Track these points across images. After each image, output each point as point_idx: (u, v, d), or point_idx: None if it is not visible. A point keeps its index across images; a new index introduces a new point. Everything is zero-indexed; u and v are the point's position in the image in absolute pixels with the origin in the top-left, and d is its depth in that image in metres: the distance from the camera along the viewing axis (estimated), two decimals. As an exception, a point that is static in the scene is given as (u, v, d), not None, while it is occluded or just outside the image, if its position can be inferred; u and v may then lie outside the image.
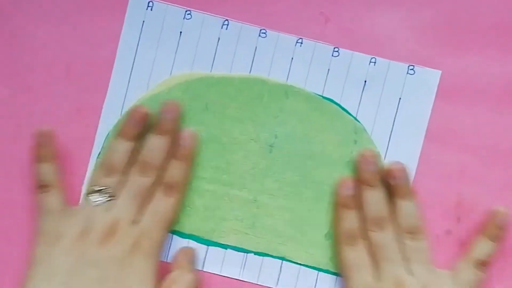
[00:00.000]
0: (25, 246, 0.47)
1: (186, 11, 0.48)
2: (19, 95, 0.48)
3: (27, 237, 0.47)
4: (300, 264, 0.47)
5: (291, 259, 0.47)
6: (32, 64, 0.48)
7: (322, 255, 0.47)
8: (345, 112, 0.48)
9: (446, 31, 0.48)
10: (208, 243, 0.48)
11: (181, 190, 0.46)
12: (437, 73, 0.48)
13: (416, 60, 0.48)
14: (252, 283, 0.47)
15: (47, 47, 0.48)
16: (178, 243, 0.48)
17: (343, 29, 0.48)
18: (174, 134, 0.46)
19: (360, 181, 0.46)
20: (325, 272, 0.47)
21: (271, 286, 0.47)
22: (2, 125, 0.48)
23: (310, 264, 0.47)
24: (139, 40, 0.48)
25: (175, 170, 0.46)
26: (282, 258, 0.48)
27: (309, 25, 0.48)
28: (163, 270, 0.45)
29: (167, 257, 0.47)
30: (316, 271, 0.47)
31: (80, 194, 0.47)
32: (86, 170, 0.48)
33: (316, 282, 0.47)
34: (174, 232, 0.48)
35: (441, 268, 0.46)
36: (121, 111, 0.48)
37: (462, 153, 0.47)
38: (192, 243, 0.48)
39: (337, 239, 0.46)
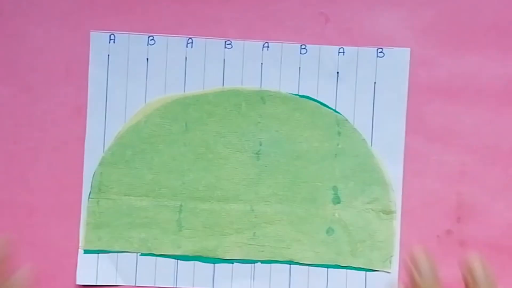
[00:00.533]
0: (25, 246, 0.47)
1: (149, 36, 0.48)
2: (19, 95, 0.48)
3: (28, 237, 0.47)
4: (308, 264, 0.47)
5: (298, 261, 0.47)
6: (32, 64, 0.48)
7: (327, 251, 0.47)
8: (324, 107, 0.48)
9: (446, 31, 0.48)
10: (214, 261, 0.47)
11: None
12: (406, 51, 0.47)
13: (416, 60, 0.48)
14: (264, 291, 0.47)
15: (47, 47, 0.48)
16: (184, 267, 0.47)
17: (343, 29, 0.48)
18: None
19: None
20: (334, 268, 0.47)
21: None
22: (2, 125, 0.48)
23: (318, 263, 0.47)
24: (107, 75, 0.48)
25: None
26: (290, 262, 0.47)
27: (309, 25, 0.48)
28: None
29: (176, 282, 0.47)
30: (325, 268, 0.47)
31: (78, 194, 0.47)
32: (82, 171, 0.48)
33: (327, 279, 0.47)
34: (178, 257, 0.47)
35: (443, 267, 0.46)
36: (103, 149, 0.48)
37: (462, 153, 0.47)
38: (198, 264, 0.47)
39: None
